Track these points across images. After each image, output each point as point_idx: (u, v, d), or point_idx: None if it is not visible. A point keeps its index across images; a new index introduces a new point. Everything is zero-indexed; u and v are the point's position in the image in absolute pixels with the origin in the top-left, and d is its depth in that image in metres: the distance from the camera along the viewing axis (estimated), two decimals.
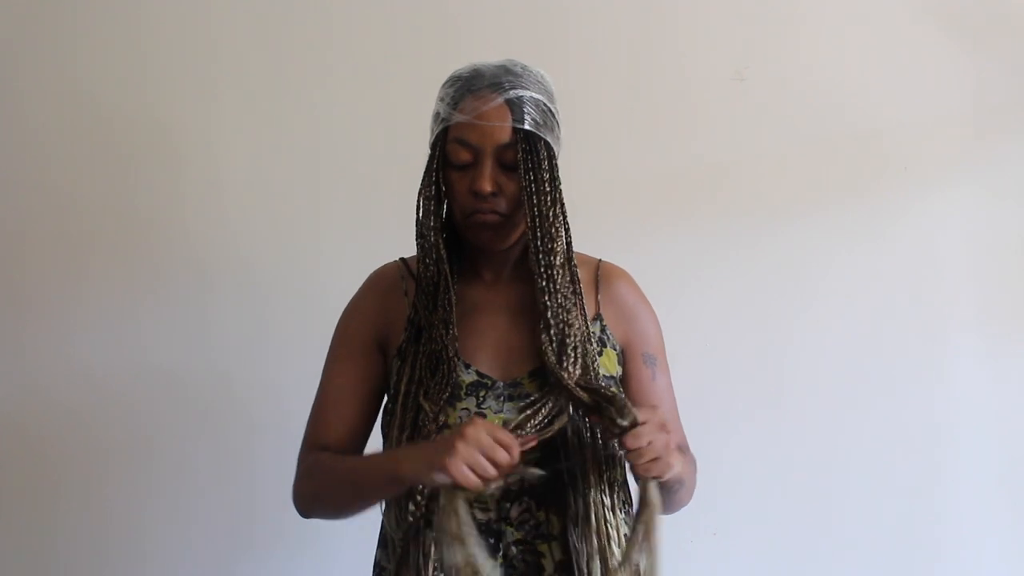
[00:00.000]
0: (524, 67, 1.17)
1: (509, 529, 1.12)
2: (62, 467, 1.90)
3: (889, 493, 1.94)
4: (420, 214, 1.18)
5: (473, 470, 0.97)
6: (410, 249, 1.22)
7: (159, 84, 1.95)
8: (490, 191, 1.12)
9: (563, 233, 1.16)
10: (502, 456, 0.99)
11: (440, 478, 0.98)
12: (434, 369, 1.13)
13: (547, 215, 1.13)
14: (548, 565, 1.10)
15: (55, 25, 1.95)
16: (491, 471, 0.98)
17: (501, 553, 1.11)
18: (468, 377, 1.15)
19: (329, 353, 1.26)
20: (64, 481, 1.91)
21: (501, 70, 1.15)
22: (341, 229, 1.94)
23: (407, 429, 1.13)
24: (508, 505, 1.12)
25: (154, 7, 1.95)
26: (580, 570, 1.08)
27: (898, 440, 1.94)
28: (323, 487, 1.18)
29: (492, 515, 1.12)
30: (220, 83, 1.95)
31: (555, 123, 1.17)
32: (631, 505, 1.20)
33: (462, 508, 0.99)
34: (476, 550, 0.99)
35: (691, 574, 1.89)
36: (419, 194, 1.18)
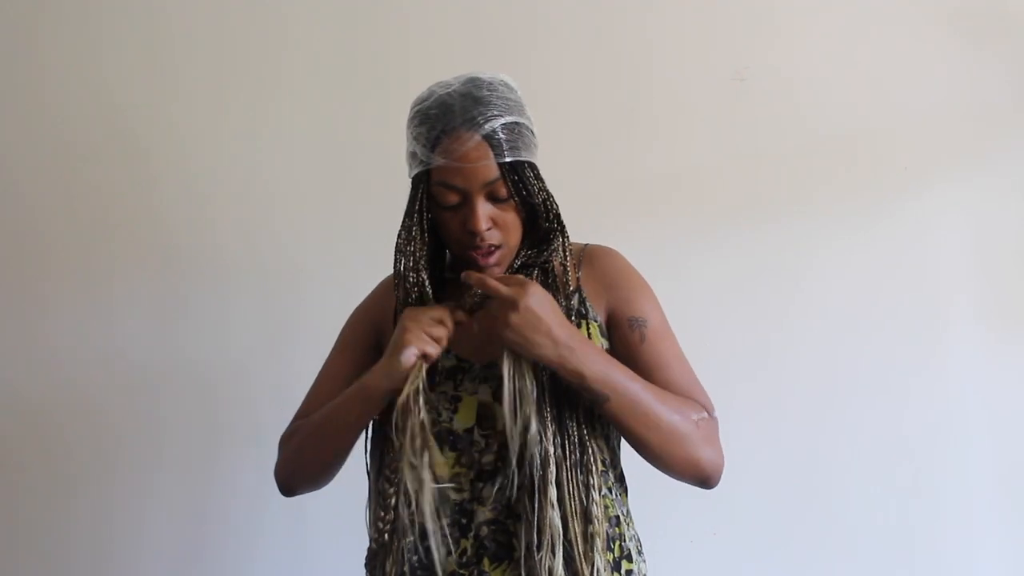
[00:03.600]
0: (489, 85, 1.14)
1: (481, 509, 1.12)
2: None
3: (889, 492, 1.93)
4: (401, 254, 1.19)
5: (429, 340, 1.09)
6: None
7: (166, 83, 1.99)
8: (485, 228, 1.13)
9: (560, 239, 1.19)
10: (440, 319, 1.11)
11: (405, 356, 1.08)
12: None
13: (546, 229, 1.18)
14: (518, 545, 1.10)
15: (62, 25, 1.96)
16: (439, 333, 1.10)
17: (473, 533, 1.12)
18: (448, 362, 1.18)
19: (333, 347, 1.32)
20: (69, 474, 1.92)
21: (469, 101, 1.11)
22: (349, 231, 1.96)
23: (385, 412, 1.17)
24: (481, 485, 1.13)
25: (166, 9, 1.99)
26: (540, 540, 1.08)
27: (898, 439, 1.94)
28: (304, 438, 1.22)
29: (466, 495, 1.13)
30: (227, 83, 1.99)
31: (530, 131, 1.16)
32: (619, 488, 1.21)
33: (421, 381, 1.09)
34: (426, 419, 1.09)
35: (691, 574, 1.89)
36: (400, 235, 1.19)
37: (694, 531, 1.89)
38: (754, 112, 1.99)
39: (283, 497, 1.25)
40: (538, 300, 1.08)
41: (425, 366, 1.10)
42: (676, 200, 1.98)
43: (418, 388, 1.08)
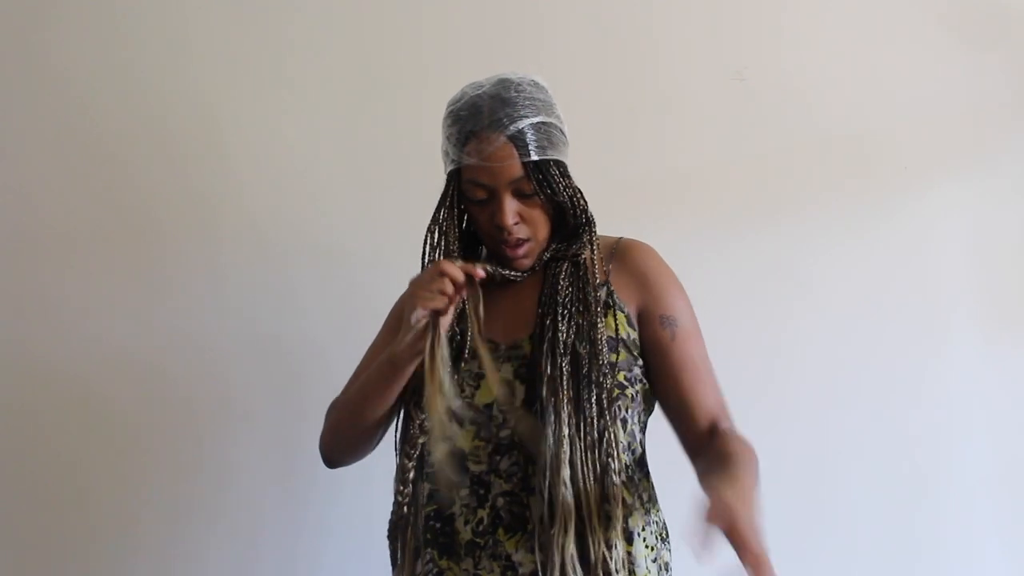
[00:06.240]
0: (517, 86, 1.19)
1: (498, 481, 1.17)
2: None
3: (889, 492, 1.93)
4: (430, 243, 1.24)
5: (434, 295, 1.11)
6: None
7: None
8: (512, 223, 1.18)
9: (588, 234, 1.24)
10: (448, 272, 1.11)
11: (415, 317, 1.12)
12: (450, 338, 1.21)
13: (575, 224, 1.23)
14: (531, 518, 1.14)
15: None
16: (446, 287, 1.11)
17: (489, 504, 1.16)
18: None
19: (379, 330, 1.37)
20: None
21: (497, 102, 1.17)
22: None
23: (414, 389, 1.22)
24: (499, 458, 1.17)
25: None
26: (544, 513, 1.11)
27: (898, 439, 1.94)
28: (341, 409, 1.28)
29: (484, 467, 1.18)
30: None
31: (559, 131, 1.21)
32: (639, 473, 1.22)
33: (442, 338, 1.13)
34: (447, 375, 1.12)
35: (691, 574, 1.89)
36: (430, 226, 1.24)
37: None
38: (754, 113, 1.99)
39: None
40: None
41: (440, 321, 1.13)
42: (675, 201, 1.98)
43: (435, 342, 1.12)
